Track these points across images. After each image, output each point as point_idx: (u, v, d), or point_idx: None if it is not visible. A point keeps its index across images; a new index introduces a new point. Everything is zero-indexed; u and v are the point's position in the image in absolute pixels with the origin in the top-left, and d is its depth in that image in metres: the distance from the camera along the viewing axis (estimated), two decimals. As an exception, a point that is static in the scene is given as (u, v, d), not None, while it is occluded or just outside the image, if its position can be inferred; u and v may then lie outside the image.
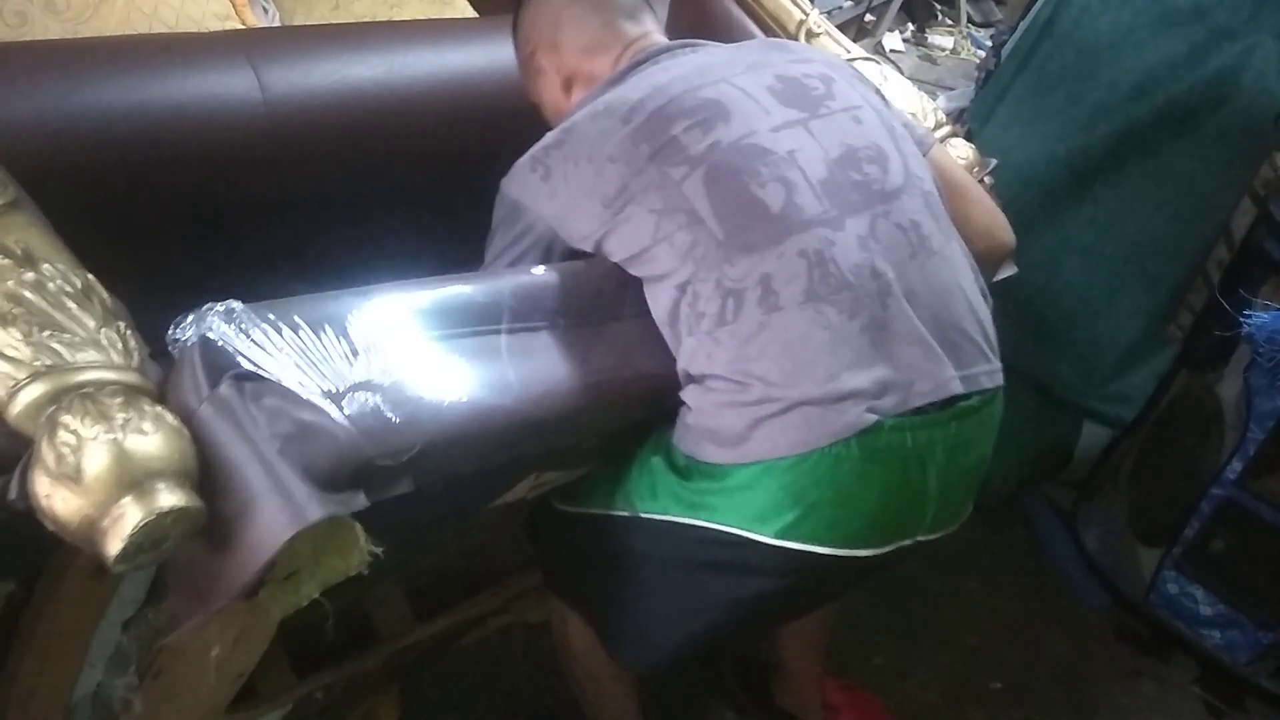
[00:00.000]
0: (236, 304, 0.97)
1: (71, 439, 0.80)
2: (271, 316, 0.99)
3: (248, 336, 0.96)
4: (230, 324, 0.95)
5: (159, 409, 0.85)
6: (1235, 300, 2.20)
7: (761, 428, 1.23)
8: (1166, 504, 2.43)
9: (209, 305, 0.96)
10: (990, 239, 1.53)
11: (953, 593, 2.53)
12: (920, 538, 1.33)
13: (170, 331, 0.95)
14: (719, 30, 1.96)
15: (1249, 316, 2.14)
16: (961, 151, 1.73)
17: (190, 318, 0.96)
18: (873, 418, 1.21)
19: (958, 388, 1.28)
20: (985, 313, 1.37)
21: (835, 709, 2.07)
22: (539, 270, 1.27)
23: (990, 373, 1.34)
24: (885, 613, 1.95)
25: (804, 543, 1.24)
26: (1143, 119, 2.24)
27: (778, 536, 1.24)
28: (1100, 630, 2.55)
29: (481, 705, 1.99)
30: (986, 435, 1.36)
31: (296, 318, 1.01)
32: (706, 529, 1.28)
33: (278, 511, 0.84)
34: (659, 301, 1.30)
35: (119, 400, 0.83)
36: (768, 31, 1.94)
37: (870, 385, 1.22)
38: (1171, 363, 2.51)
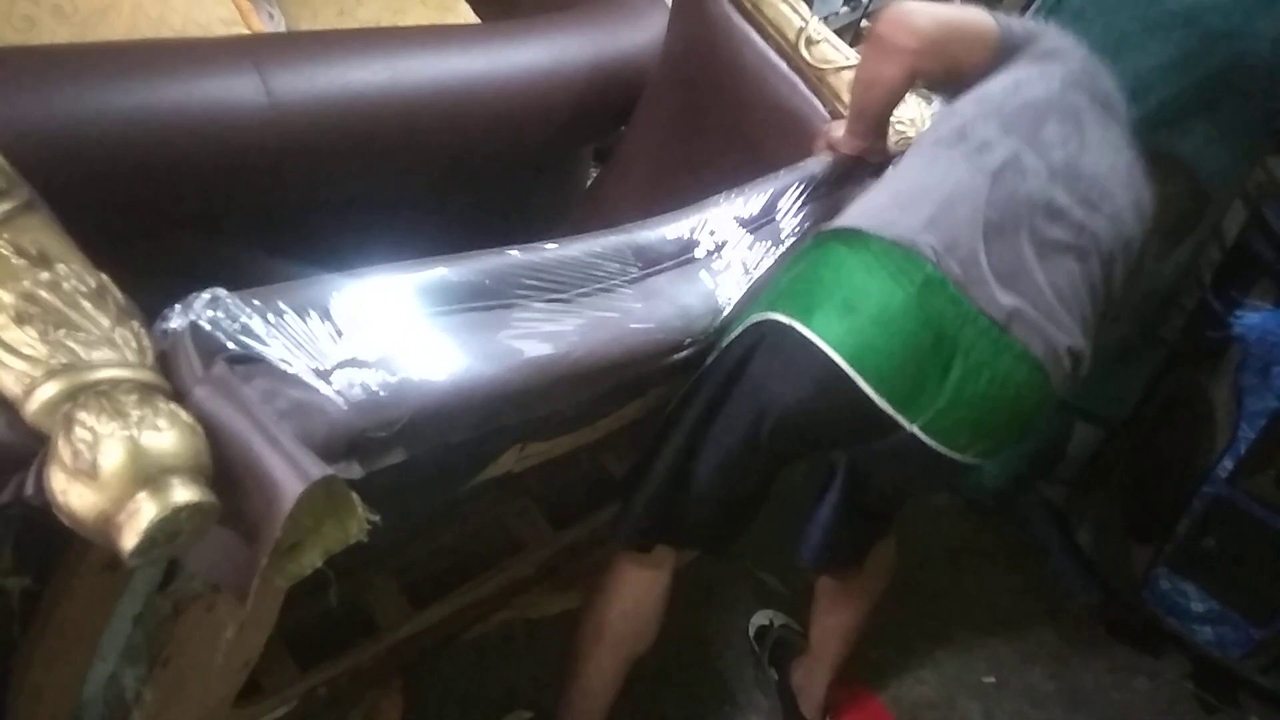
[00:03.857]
0: (222, 291, 1.00)
1: (88, 435, 0.80)
2: (256, 302, 1.02)
3: (234, 321, 0.99)
4: (217, 310, 0.98)
5: (173, 406, 0.86)
6: (1226, 301, 2.22)
7: (873, 214, 1.47)
8: (1158, 502, 2.46)
9: (194, 294, 0.99)
10: None
11: (948, 589, 2.55)
12: (918, 426, 1.42)
13: (158, 324, 0.97)
14: (719, 36, 1.98)
15: (1240, 317, 2.17)
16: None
17: (177, 307, 0.98)
18: (939, 273, 1.38)
19: (1003, 319, 1.40)
20: (1082, 353, 1.50)
21: (833, 704, 2.09)
22: (515, 251, 1.31)
23: (1046, 351, 1.44)
24: (881, 609, 1.98)
25: (834, 347, 1.39)
26: (1135, 124, 2.26)
27: (816, 330, 1.40)
28: (1093, 626, 2.57)
29: (483, 700, 2.00)
30: (1014, 394, 1.44)
31: (281, 303, 1.04)
32: (764, 322, 1.45)
33: (288, 473, 0.85)
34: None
35: (134, 397, 0.84)
36: (767, 38, 1.96)
37: (948, 247, 1.40)
38: (1163, 363, 2.54)
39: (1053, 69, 1.59)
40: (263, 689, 1.51)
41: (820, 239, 1.51)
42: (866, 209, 1.51)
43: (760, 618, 2.28)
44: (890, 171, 1.65)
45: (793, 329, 1.42)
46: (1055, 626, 2.54)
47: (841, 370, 1.39)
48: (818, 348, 1.40)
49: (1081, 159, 1.52)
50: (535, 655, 2.09)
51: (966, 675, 2.35)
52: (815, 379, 1.42)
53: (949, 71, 1.64)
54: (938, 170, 1.51)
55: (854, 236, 1.45)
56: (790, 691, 2.10)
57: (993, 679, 2.36)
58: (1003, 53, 1.61)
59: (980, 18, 1.62)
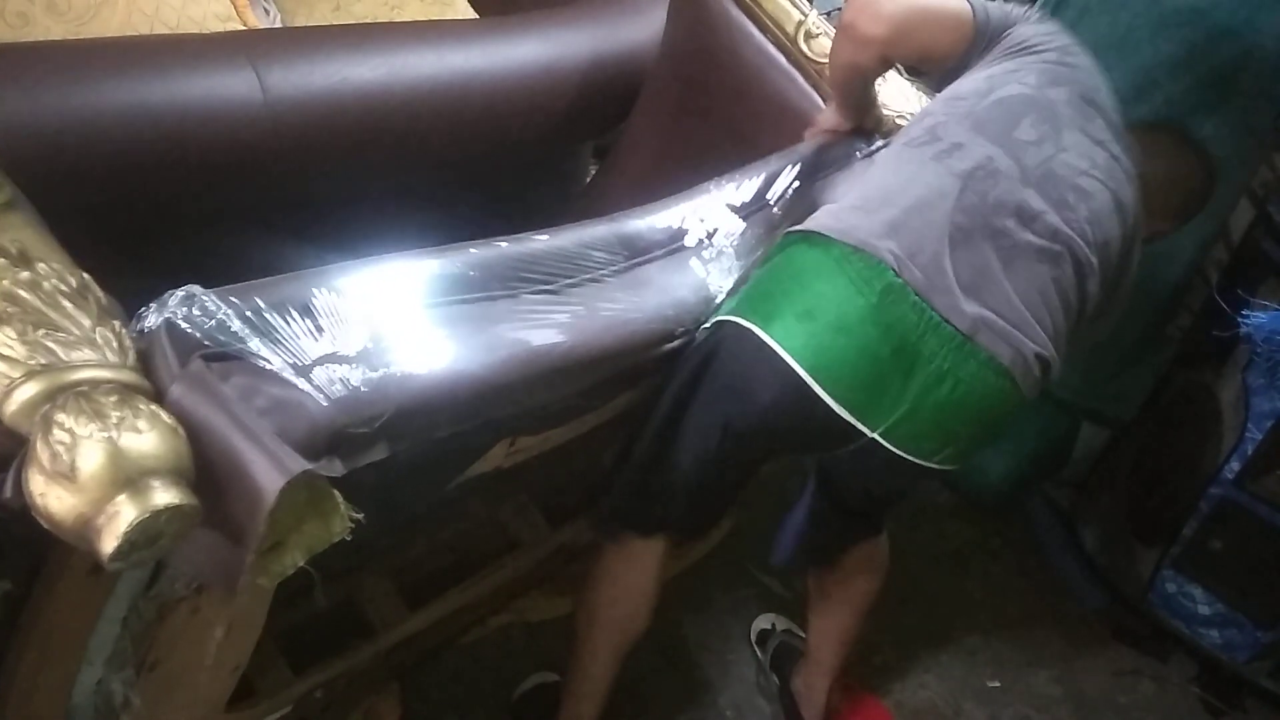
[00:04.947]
0: (196, 288, 0.99)
1: (66, 437, 0.79)
2: (234, 299, 1.01)
3: (210, 318, 0.98)
4: (192, 307, 0.97)
5: (154, 407, 0.85)
6: (1233, 300, 2.20)
7: (838, 217, 1.46)
8: (1165, 503, 2.44)
9: (170, 292, 0.98)
10: None
11: (952, 592, 2.53)
12: (879, 433, 1.41)
13: (134, 323, 0.96)
14: (718, 31, 1.96)
15: (1247, 316, 2.15)
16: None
17: (153, 305, 0.97)
18: (900, 280, 1.37)
19: (968, 327, 1.38)
20: (1052, 359, 1.47)
21: (835, 709, 2.07)
22: (501, 242, 1.31)
23: (1013, 358, 1.42)
24: (884, 612, 1.96)
25: (792, 354, 1.38)
26: (1141, 121, 2.23)
27: (775, 337, 1.39)
28: (1099, 629, 2.55)
29: (482, 704, 1.99)
30: (978, 401, 1.43)
31: (258, 299, 1.03)
32: (727, 324, 1.45)
33: (267, 468, 0.84)
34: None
35: (114, 399, 0.83)
36: (766, 32, 1.94)
37: (910, 253, 1.38)
38: (1170, 363, 2.52)
39: (1028, 63, 1.57)
40: (256, 693, 1.49)
41: (786, 240, 1.50)
42: (833, 211, 1.49)
43: (762, 621, 2.27)
44: (863, 172, 1.64)
45: (752, 333, 1.41)
46: (1060, 630, 2.52)
47: (800, 377, 1.38)
48: (776, 354, 1.39)
49: (1056, 159, 1.50)
50: (534, 658, 2.07)
51: (971, 679, 2.33)
52: (774, 386, 1.41)
53: (922, 58, 1.64)
54: (905, 173, 1.50)
55: (817, 240, 1.44)
56: (792, 697, 2.08)
57: (997, 683, 2.34)
58: (979, 39, 1.59)
59: (954, 3, 1.59)
